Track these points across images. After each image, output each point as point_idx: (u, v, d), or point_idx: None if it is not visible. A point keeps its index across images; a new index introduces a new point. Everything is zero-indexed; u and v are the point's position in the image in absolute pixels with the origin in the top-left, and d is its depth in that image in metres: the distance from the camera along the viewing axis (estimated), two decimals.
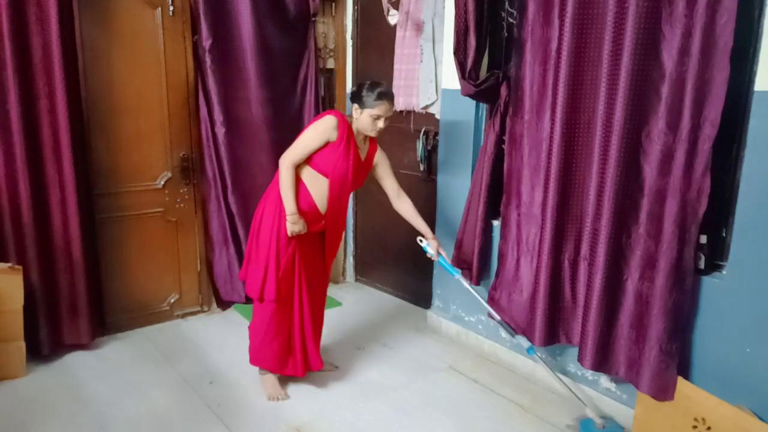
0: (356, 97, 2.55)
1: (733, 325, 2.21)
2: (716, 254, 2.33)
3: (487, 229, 3.06)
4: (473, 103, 3.08)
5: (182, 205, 3.50)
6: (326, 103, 4.05)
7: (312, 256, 2.74)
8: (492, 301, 2.95)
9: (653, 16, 2.17)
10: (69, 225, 2.96)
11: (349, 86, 4.08)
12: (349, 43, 4.04)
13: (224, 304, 3.75)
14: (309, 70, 3.83)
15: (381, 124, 2.54)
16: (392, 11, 3.64)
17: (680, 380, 2.30)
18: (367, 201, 4.14)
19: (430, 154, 3.56)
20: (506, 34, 2.94)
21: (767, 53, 2.04)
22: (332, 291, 4.05)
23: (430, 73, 3.44)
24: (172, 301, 3.57)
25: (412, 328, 3.60)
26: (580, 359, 2.55)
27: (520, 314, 2.82)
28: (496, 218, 3.09)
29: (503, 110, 2.85)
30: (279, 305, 2.66)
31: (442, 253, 2.85)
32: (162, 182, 3.40)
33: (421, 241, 2.87)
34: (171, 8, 3.24)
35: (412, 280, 3.90)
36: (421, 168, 3.62)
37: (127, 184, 3.28)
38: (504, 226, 2.90)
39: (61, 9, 2.76)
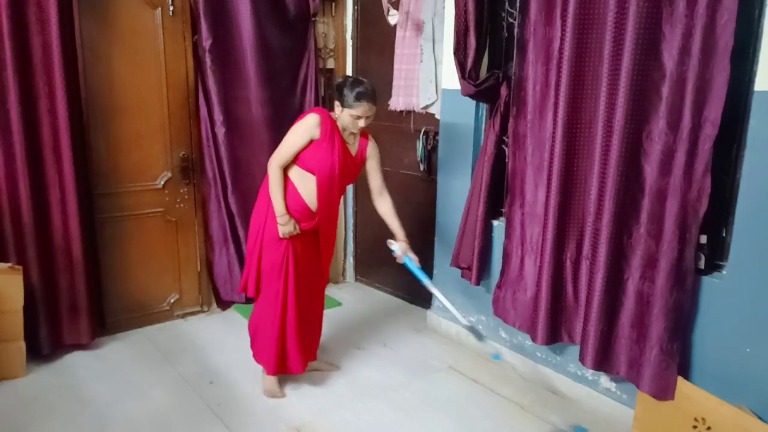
0: (338, 94, 2.51)
1: (733, 325, 2.21)
2: (716, 254, 2.33)
3: (487, 229, 3.06)
4: (473, 103, 3.08)
5: (182, 205, 3.50)
6: (326, 103, 4.04)
7: (308, 256, 2.72)
8: (497, 299, 2.95)
9: (654, 16, 2.17)
10: (69, 225, 2.96)
11: None
12: (349, 43, 4.04)
13: (224, 304, 3.75)
14: (309, 70, 3.83)
15: (362, 123, 2.51)
16: (392, 11, 3.64)
17: (680, 380, 2.30)
18: (367, 201, 4.12)
19: (430, 154, 3.56)
20: (506, 34, 2.94)
21: (767, 53, 2.04)
22: (332, 291, 4.06)
23: (430, 73, 3.44)
24: (172, 301, 3.57)
25: (412, 328, 3.60)
26: (582, 359, 2.54)
27: (524, 313, 2.82)
28: (496, 218, 3.10)
29: (503, 110, 2.85)
30: (269, 305, 2.66)
31: (411, 255, 2.72)
32: (162, 182, 3.40)
33: (391, 244, 2.76)
34: (171, 8, 3.24)
35: (412, 280, 3.84)
36: (421, 168, 3.62)
37: (127, 184, 3.28)
38: (508, 226, 2.90)
39: (61, 9, 2.76)
